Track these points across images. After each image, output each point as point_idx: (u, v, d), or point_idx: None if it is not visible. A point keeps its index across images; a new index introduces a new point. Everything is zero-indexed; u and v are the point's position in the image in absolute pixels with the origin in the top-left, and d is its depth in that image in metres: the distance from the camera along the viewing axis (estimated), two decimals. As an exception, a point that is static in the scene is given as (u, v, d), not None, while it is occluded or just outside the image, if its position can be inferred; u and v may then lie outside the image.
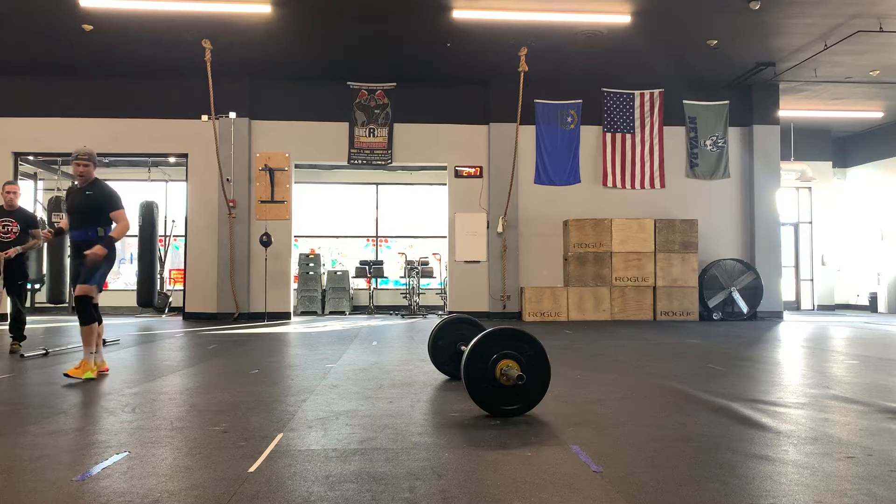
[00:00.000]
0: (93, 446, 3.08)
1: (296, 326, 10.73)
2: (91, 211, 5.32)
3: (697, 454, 2.98)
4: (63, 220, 5.53)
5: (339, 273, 14.26)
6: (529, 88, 12.22)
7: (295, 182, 13.04)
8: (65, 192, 5.54)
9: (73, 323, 11.09)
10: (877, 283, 15.47)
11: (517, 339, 3.77)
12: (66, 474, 2.65)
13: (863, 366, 6.01)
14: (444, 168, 13.02)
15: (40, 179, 14.80)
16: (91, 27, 10.15)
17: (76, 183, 5.42)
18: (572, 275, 12.47)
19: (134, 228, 13.66)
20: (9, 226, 6.90)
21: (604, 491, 2.47)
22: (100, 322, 5.35)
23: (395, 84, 12.72)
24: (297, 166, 13.06)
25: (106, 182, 5.49)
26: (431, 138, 12.85)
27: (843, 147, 16.59)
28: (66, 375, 5.06)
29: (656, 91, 13.09)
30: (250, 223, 12.50)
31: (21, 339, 6.90)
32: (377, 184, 15.55)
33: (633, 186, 13.07)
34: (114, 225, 5.35)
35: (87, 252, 5.22)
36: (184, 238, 12.97)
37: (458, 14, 9.70)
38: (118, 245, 5.57)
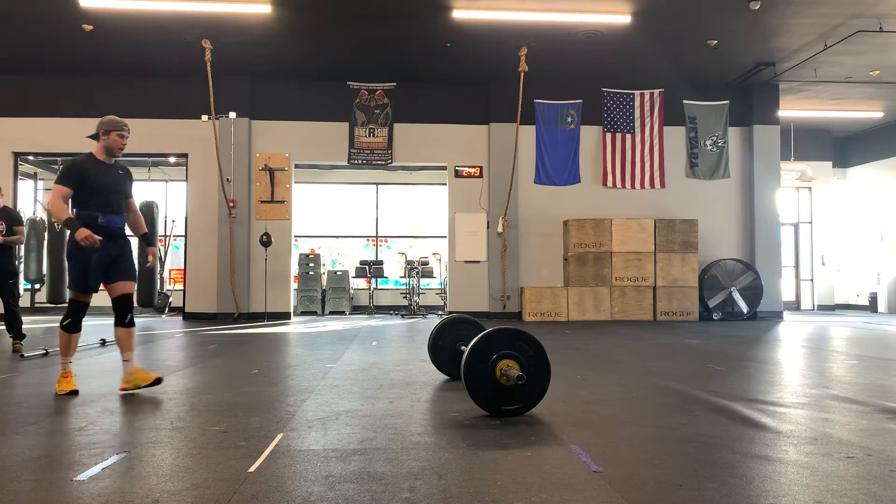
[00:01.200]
0: (93, 446, 3.08)
1: (296, 326, 10.73)
2: (127, 194, 4.76)
3: (697, 454, 2.98)
4: (57, 205, 4.43)
5: (339, 273, 14.26)
6: (529, 88, 12.22)
7: (295, 182, 13.04)
8: (73, 164, 4.55)
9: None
10: (877, 283, 15.47)
11: (517, 339, 3.77)
12: (66, 474, 2.65)
13: (863, 366, 6.01)
14: (444, 168, 13.01)
15: (40, 179, 14.80)
16: (91, 27, 10.15)
17: (98, 157, 4.66)
18: (572, 275, 12.47)
19: (134, 228, 13.69)
20: None
21: (604, 491, 2.47)
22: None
23: (395, 84, 12.72)
24: (297, 166, 13.06)
25: None
26: (431, 138, 12.85)
27: (843, 147, 16.59)
28: (125, 391, 4.51)
29: (656, 91, 13.09)
30: (250, 223, 12.50)
31: (21, 337, 6.91)
32: (377, 184, 15.55)
33: (633, 186, 13.07)
34: (138, 216, 4.87)
35: (153, 255, 4.99)
36: (184, 238, 12.97)
37: (458, 14, 9.70)
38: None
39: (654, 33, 10.48)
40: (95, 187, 4.54)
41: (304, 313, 13.80)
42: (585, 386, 4.87)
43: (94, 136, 4.77)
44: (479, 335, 3.81)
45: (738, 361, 6.31)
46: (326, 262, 15.03)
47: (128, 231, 4.80)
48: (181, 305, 12.77)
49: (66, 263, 4.72)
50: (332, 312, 14.06)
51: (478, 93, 12.87)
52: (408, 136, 12.82)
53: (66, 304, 4.82)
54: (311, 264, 14.13)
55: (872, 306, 15.51)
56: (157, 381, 4.58)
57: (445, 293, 13.62)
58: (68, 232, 4.53)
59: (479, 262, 12.81)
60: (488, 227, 12.75)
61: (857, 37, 10.30)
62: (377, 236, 15.66)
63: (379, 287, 15.05)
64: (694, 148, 13.26)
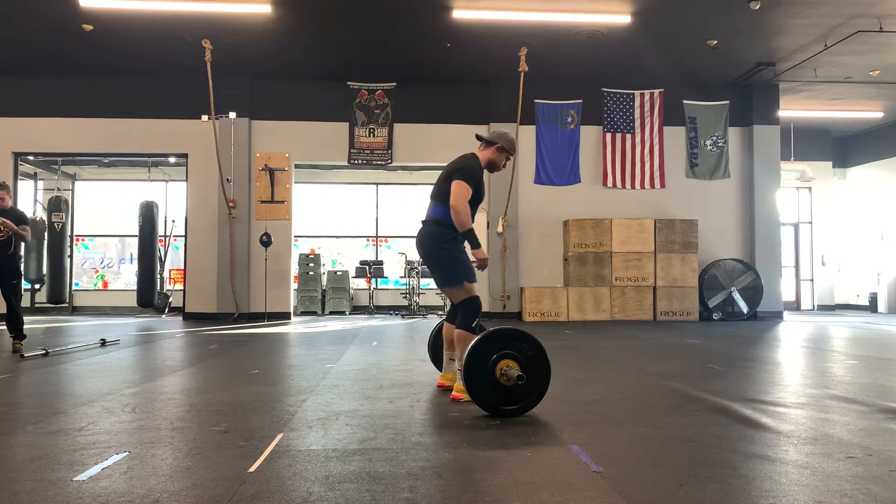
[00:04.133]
0: (93, 446, 3.08)
1: (296, 326, 10.73)
2: None
3: (697, 454, 2.98)
4: (466, 208, 4.16)
5: (339, 273, 14.25)
6: (529, 88, 12.21)
7: (295, 182, 13.04)
8: (477, 164, 4.33)
9: (73, 323, 11.09)
10: (877, 283, 15.47)
11: (517, 339, 3.77)
12: (66, 474, 2.65)
13: (863, 366, 6.01)
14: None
15: (40, 179, 14.80)
16: (91, 27, 10.15)
17: (481, 162, 4.40)
18: (572, 275, 12.47)
19: (133, 228, 13.69)
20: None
21: (604, 491, 2.47)
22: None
23: (395, 84, 12.72)
24: (297, 166, 13.06)
25: None
26: (431, 138, 12.84)
27: (843, 147, 16.59)
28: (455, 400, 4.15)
29: (656, 91, 13.08)
30: (250, 223, 12.50)
31: (21, 337, 6.92)
32: (377, 184, 15.55)
33: (633, 186, 13.07)
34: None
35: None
36: (184, 238, 12.96)
37: (458, 14, 9.70)
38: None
39: (654, 33, 10.48)
40: (481, 193, 4.30)
41: (304, 313, 13.80)
42: (585, 386, 4.87)
43: (486, 142, 4.41)
44: (479, 335, 3.81)
45: (738, 361, 6.31)
46: (326, 262, 15.03)
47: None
48: (181, 305, 12.77)
49: (443, 261, 4.31)
50: (332, 312, 14.06)
51: (478, 93, 12.87)
52: (408, 136, 12.81)
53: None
54: (311, 264, 14.12)
55: (872, 306, 15.50)
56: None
57: (445, 293, 13.59)
58: (441, 231, 4.25)
59: (479, 262, 12.77)
60: (488, 227, 12.74)
61: (857, 37, 10.30)
62: (377, 236, 15.66)
63: (379, 287, 15.05)
64: (694, 148, 13.26)
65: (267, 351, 7.21)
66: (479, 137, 4.55)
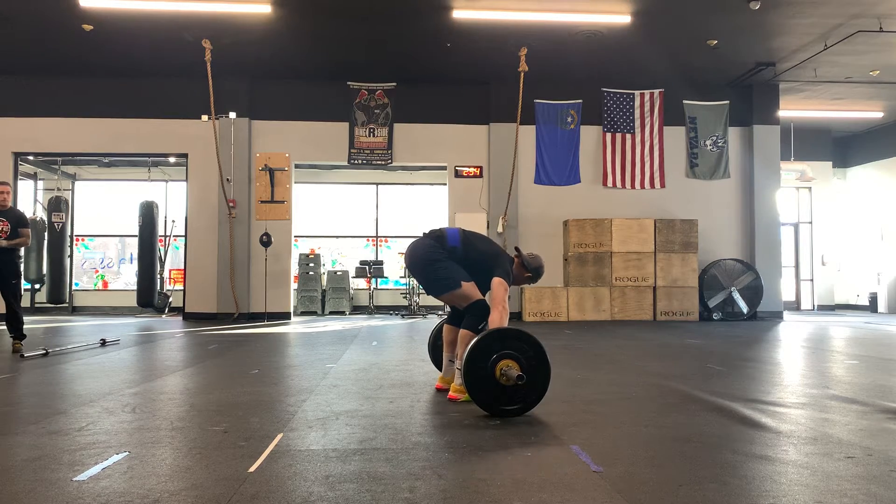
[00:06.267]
0: (93, 446, 3.08)
1: (296, 326, 10.73)
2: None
3: (697, 454, 2.98)
4: (506, 311, 4.23)
5: (339, 273, 14.25)
6: (529, 88, 12.21)
7: (295, 182, 13.04)
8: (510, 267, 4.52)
9: (73, 323, 11.09)
10: (877, 283, 15.47)
11: (517, 339, 3.76)
12: (66, 474, 2.65)
13: (863, 366, 6.01)
14: (444, 168, 13.01)
15: (40, 179, 14.80)
16: (91, 27, 10.15)
17: (513, 272, 4.53)
18: (572, 275, 12.47)
19: (133, 228, 13.69)
20: (0, 225, 6.90)
21: (604, 491, 2.47)
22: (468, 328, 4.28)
23: (395, 84, 12.72)
24: (297, 166, 13.06)
25: None
26: (431, 138, 12.84)
27: (843, 147, 16.59)
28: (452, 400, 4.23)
29: (656, 91, 13.09)
30: (250, 223, 12.50)
31: (21, 337, 6.91)
32: (377, 184, 15.55)
33: (633, 186, 13.07)
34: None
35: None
36: (184, 238, 12.97)
37: (458, 14, 9.70)
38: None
39: (654, 33, 10.48)
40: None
41: (304, 313, 13.80)
42: (585, 386, 4.86)
43: (519, 253, 4.59)
44: (480, 335, 3.81)
45: (738, 361, 6.31)
46: (326, 262, 15.03)
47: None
48: (181, 305, 12.77)
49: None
50: (332, 312, 14.06)
51: (478, 93, 12.87)
52: (408, 136, 12.81)
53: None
54: (311, 264, 14.13)
55: (872, 306, 15.51)
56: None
57: (445, 293, 13.57)
58: (436, 247, 4.35)
59: (479, 262, 12.76)
60: (488, 227, 12.74)
61: (857, 37, 10.30)
62: (377, 236, 15.66)
63: (379, 287, 15.05)
64: (694, 148, 13.26)
65: (267, 351, 7.21)
66: (517, 249, 4.70)
